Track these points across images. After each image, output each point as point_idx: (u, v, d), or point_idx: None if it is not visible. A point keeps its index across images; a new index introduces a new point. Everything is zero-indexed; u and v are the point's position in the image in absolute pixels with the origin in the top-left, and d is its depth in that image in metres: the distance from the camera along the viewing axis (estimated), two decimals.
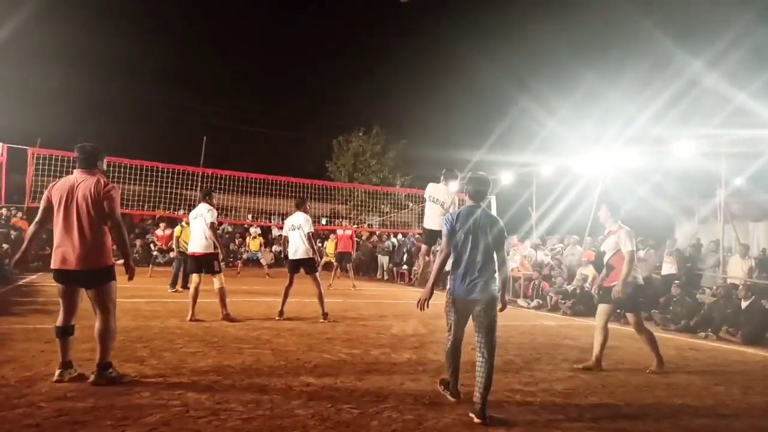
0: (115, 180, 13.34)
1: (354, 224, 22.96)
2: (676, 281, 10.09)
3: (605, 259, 5.76)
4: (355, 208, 25.58)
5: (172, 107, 37.46)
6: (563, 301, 10.96)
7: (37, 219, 4.26)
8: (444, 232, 4.05)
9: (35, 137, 17.66)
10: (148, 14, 43.19)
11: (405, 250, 18.31)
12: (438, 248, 4.54)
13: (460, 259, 3.97)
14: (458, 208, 4.43)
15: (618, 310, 6.00)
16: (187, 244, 9.21)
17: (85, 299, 4.26)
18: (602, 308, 5.69)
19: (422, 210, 6.68)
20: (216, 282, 7.61)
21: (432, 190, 6.18)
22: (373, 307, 10.20)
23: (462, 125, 35.97)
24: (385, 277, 18.69)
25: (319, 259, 8.62)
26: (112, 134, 25.76)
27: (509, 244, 13.61)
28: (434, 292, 4.00)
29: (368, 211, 25.49)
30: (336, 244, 15.83)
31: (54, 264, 4.15)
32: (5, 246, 12.43)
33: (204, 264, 7.66)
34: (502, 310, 4.00)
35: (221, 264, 7.91)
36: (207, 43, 47.38)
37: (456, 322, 4.01)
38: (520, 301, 12.09)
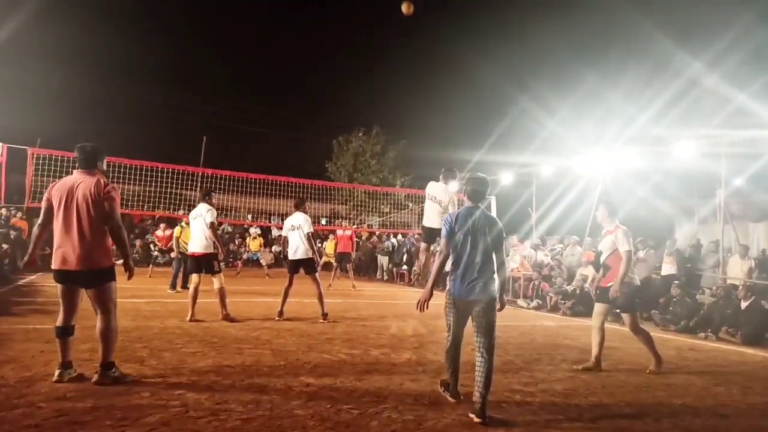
0: (115, 180, 13.36)
1: (354, 224, 22.95)
2: (676, 282, 10.09)
3: (602, 259, 5.76)
4: (354, 208, 25.57)
5: (172, 107, 37.49)
6: (563, 302, 10.96)
7: (40, 221, 4.28)
8: (443, 233, 4.06)
9: (35, 137, 17.68)
10: (148, 14, 43.25)
11: (405, 250, 18.31)
12: (437, 247, 4.55)
13: (459, 260, 3.97)
14: (458, 208, 4.43)
15: (615, 310, 5.99)
16: (186, 244, 9.22)
17: (85, 299, 4.27)
18: (598, 308, 5.69)
19: (422, 210, 6.70)
20: (216, 282, 7.61)
21: (431, 188, 6.20)
22: (373, 308, 10.20)
23: (462, 125, 36.00)
24: (385, 278, 18.69)
25: (319, 259, 8.62)
26: (112, 134, 25.78)
27: (509, 245, 13.61)
28: (434, 292, 4.00)
29: (368, 211, 25.48)
30: (335, 244, 15.83)
31: (54, 264, 4.15)
32: (5, 246, 12.43)
33: (204, 264, 7.66)
34: (500, 310, 4.01)
35: (221, 264, 7.91)
36: (207, 43, 47.43)
37: (455, 323, 4.01)
38: (520, 302, 12.09)
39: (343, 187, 26.09)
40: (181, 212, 15.28)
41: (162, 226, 15.59)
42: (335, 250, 15.67)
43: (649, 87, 15.70)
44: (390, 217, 23.67)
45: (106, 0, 39.63)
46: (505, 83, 26.76)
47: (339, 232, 16.01)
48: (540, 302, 11.69)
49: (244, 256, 18.15)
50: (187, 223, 9.38)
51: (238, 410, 3.68)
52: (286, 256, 8.57)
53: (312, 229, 8.06)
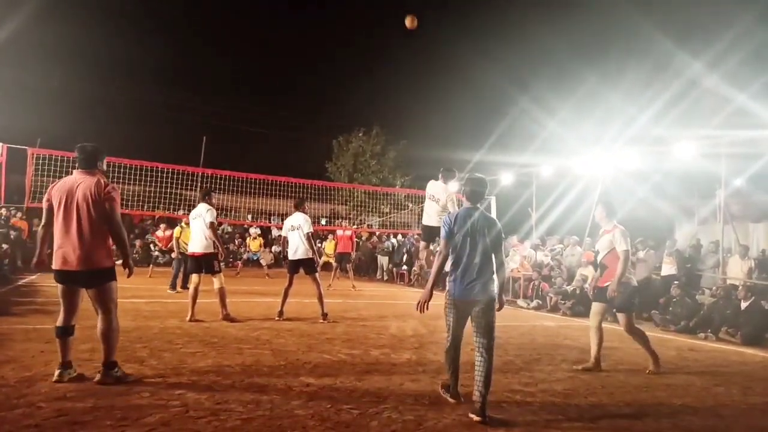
0: (115, 180, 13.36)
1: (354, 225, 22.95)
2: (676, 282, 10.09)
3: (599, 258, 5.76)
4: (354, 208, 25.56)
5: (172, 107, 37.45)
6: (563, 302, 10.97)
7: (43, 222, 4.29)
8: (442, 234, 4.07)
9: (35, 137, 17.69)
10: (148, 14, 43.29)
11: (405, 250, 18.32)
12: (436, 246, 4.55)
13: (458, 260, 3.98)
14: (457, 208, 4.44)
15: (613, 310, 6.00)
16: (186, 244, 9.22)
17: (85, 299, 4.27)
18: (596, 308, 5.70)
19: (422, 210, 6.72)
20: (216, 282, 7.61)
21: (431, 187, 6.24)
22: (373, 308, 10.20)
23: (462, 125, 36.04)
24: (385, 278, 18.69)
25: (318, 260, 8.63)
26: (112, 134, 25.81)
27: (509, 245, 13.62)
28: (433, 293, 4.01)
29: (368, 211, 25.48)
30: (335, 244, 15.83)
31: (55, 264, 4.16)
32: (5, 246, 12.43)
33: (204, 264, 7.66)
34: (499, 310, 4.01)
35: (221, 264, 7.92)
36: (207, 43, 47.46)
37: (455, 323, 4.02)
38: (520, 302, 12.09)
39: (343, 188, 26.08)
40: (181, 212, 15.28)
41: (162, 226, 15.59)
42: (335, 250, 15.67)
43: (649, 87, 15.72)
44: (390, 218, 23.67)
45: (106, 0, 39.67)
46: (505, 83, 26.81)
47: (339, 232, 16.02)
48: (540, 302, 11.69)
49: (244, 256, 18.16)
50: (187, 224, 9.38)
51: (238, 410, 3.68)
52: (286, 257, 8.58)
53: (312, 230, 8.07)
